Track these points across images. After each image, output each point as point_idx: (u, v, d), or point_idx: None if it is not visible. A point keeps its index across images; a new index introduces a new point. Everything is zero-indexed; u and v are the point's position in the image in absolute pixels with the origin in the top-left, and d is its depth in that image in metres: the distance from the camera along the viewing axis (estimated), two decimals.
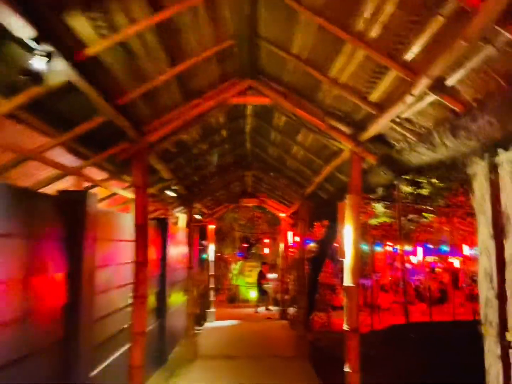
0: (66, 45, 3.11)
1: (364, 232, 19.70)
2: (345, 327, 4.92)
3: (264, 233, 22.11)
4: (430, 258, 25.25)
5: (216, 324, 12.97)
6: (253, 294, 20.28)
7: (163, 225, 9.04)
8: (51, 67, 2.86)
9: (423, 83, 3.36)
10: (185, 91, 4.97)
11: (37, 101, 3.39)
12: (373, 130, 4.80)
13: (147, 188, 5.15)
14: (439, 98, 3.47)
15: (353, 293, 4.88)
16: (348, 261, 4.95)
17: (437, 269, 23.55)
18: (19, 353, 3.49)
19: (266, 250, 22.11)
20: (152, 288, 8.26)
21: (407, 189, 24.79)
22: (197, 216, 12.10)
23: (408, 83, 3.60)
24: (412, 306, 17.79)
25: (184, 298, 11.63)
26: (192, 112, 5.00)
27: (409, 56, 3.45)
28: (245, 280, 20.60)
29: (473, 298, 18.79)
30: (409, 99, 3.68)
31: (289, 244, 14.08)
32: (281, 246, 13.75)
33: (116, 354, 5.69)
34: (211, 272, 13.45)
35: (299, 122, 5.89)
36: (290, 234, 13.83)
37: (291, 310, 13.75)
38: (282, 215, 13.33)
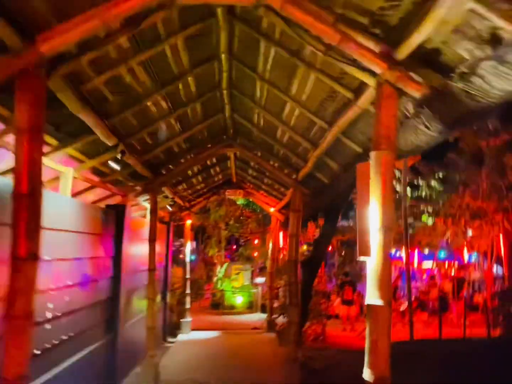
0: None
1: None
2: (368, 374, 2.82)
3: (253, 233, 19.99)
4: (427, 264, 23.22)
5: (192, 336, 10.81)
6: (239, 299, 18.21)
7: (118, 215, 6.92)
8: None
9: None
10: None
11: None
12: (416, 39, 2.76)
13: (41, 134, 3.02)
14: None
15: (383, 317, 2.80)
16: (374, 262, 2.87)
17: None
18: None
19: (254, 253, 20.00)
20: (97, 293, 6.14)
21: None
22: (170, 208, 9.98)
23: None
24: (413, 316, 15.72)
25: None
26: (113, 9, 2.88)
27: None
28: (231, 284, 18.48)
29: (474, 308, 16.79)
30: None
31: (279, 244, 11.96)
32: (270, 246, 11.62)
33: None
34: (188, 275, 11.28)
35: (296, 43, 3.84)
36: (280, 233, 11.80)
37: (280, 320, 11.65)
38: (272, 209, 11.25)
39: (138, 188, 7.28)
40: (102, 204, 7.15)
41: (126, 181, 7.15)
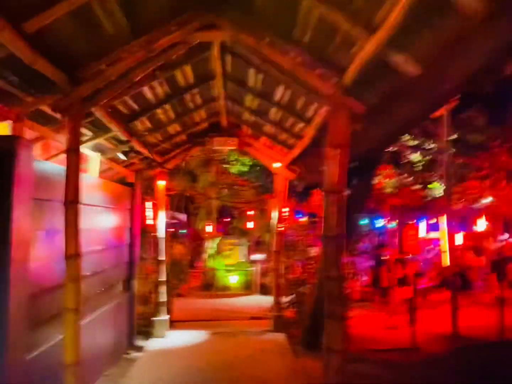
0: None
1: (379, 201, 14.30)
2: None
3: (249, 202, 16.58)
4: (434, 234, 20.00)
5: (169, 341, 7.49)
6: (234, 279, 15.04)
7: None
8: None
9: None
10: None
11: None
12: None
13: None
14: None
15: None
16: None
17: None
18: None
19: (251, 225, 16.65)
20: None
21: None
22: (124, 157, 6.44)
23: None
24: (434, 294, 12.53)
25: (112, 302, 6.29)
26: None
27: None
28: (224, 261, 15.27)
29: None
30: None
31: (284, 213, 8.48)
32: (275, 217, 8.17)
33: None
34: (161, 256, 7.83)
35: None
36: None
37: (286, 304, 8.40)
38: (277, 165, 7.79)
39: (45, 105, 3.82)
40: None
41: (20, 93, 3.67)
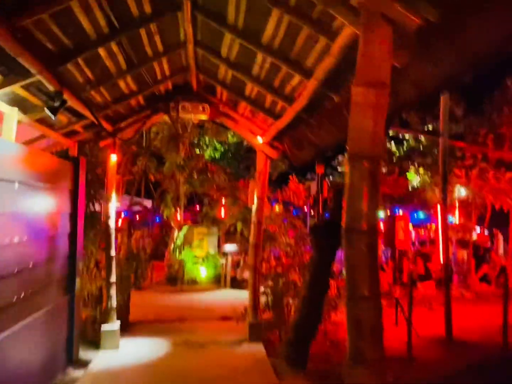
0: None
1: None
2: None
3: (221, 189, 15.03)
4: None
5: (120, 354, 5.87)
6: (203, 272, 13.54)
7: None
8: None
9: None
10: None
11: None
12: None
13: None
14: None
15: None
16: None
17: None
18: None
19: (222, 213, 15.11)
20: None
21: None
22: (52, 117, 4.76)
23: None
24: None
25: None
26: None
27: None
28: (192, 252, 13.70)
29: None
30: None
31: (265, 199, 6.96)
32: (255, 202, 6.62)
33: None
34: (112, 251, 6.15)
35: None
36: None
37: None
38: (259, 140, 6.28)
39: None
40: None
41: None
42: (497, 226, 14.72)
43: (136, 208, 19.22)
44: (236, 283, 12.83)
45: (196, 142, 15.90)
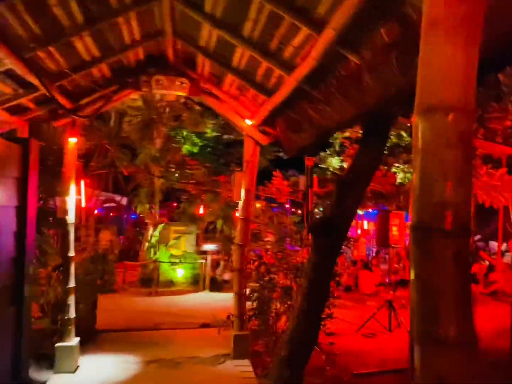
0: None
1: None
2: None
3: (200, 184, 13.96)
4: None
5: (78, 380, 4.83)
6: (180, 273, 12.54)
7: None
8: None
9: None
10: None
11: None
12: None
13: None
14: None
15: None
16: None
17: None
18: None
19: (201, 210, 14.06)
20: None
21: None
22: None
23: None
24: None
25: None
26: None
27: None
28: (168, 252, 12.68)
29: None
30: None
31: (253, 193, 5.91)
32: (242, 195, 5.60)
33: None
34: (70, 251, 5.04)
35: None
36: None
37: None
38: (247, 123, 5.31)
39: None
40: None
41: None
42: (486, 224, 14.25)
43: (108, 204, 17.98)
44: (216, 285, 11.91)
45: (173, 135, 14.84)
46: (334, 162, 22.05)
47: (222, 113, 5.49)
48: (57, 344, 4.90)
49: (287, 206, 21.04)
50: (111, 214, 19.44)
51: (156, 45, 4.86)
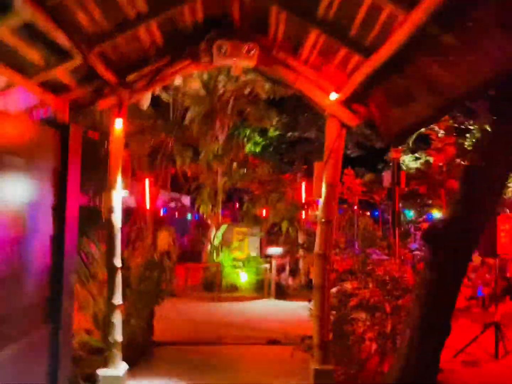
0: None
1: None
2: None
3: (264, 183, 12.88)
4: None
5: None
6: (243, 277, 11.61)
7: None
8: None
9: None
10: None
11: None
12: None
13: None
14: None
15: None
16: None
17: None
18: None
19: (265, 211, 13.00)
20: None
21: None
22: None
23: None
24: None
25: None
26: None
27: None
28: (231, 255, 11.78)
29: None
30: None
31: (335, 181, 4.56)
32: (323, 191, 4.34)
33: None
34: (116, 261, 4.08)
35: None
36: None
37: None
38: (331, 97, 4.09)
39: None
40: None
41: None
42: None
43: (172, 204, 17.55)
44: (281, 292, 10.82)
45: (235, 134, 14.00)
46: (407, 160, 20.02)
47: (299, 88, 4.29)
48: (100, 371, 3.96)
49: (355, 207, 19.45)
50: (175, 215, 19.03)
51: (219, 5, 3.79)
